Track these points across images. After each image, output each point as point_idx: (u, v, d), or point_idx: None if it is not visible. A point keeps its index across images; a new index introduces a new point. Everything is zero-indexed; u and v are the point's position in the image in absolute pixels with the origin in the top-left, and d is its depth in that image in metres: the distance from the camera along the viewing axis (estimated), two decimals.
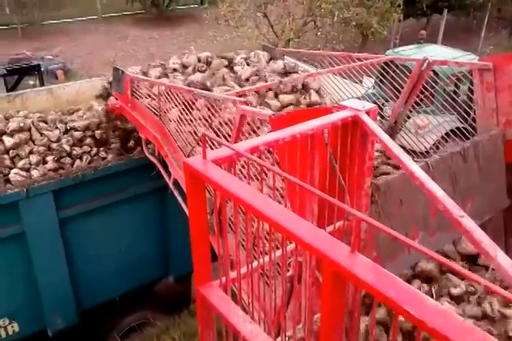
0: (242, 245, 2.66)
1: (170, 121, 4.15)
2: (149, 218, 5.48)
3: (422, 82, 3.88)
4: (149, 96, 4.55)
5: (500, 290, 1.15)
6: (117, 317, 5.66)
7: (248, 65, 5.16)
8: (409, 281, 3.04)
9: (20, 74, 7.80)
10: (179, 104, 3.98)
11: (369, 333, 2.52)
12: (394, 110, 4.09)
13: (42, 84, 7.82)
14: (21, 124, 5.42)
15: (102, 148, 5.61)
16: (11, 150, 5.24)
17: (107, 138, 5.65)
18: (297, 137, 2.05)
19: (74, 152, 5.46)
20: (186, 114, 3.91)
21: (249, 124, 3.33)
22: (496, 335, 2.64)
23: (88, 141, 5.60)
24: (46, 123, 5.70)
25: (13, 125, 5.39)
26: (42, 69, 9.20)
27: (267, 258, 1.93)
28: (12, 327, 4.84)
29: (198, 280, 1.99)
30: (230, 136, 3.30)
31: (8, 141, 5.25)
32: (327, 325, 1.45)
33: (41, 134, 5.51)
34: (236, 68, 5.04)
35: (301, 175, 2.17)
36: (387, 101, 5.00)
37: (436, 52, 7.62)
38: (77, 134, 5.58)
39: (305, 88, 4.69)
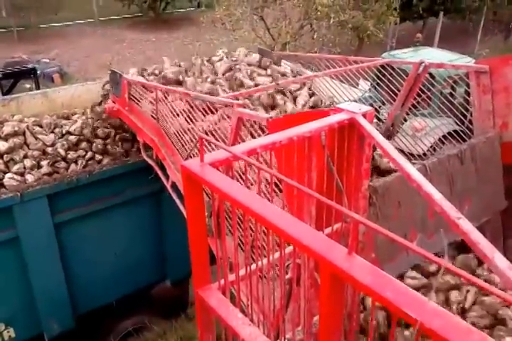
0: (241, 247, 2.66)
1: (167, 123, 4.16)
2: (145, 222, 5.46)
3: (418, 84, 3.90)
4: (147, 100, 4.56)
5: (496, 291, 1.16)
6: (114, 321, 5.62)
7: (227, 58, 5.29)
8: None
9: (15, 77, 7.77)
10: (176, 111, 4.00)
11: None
12: (391, 113, 4.11)
13: (38, 87, 7.79)
14: (16, 128, 5.38)
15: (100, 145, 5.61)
16: (5, 155, 5.19)
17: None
18: (294, 140, 2.05)
19: (69, 156, 5.42)
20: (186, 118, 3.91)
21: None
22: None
23: (83, 145, 5.57)
24: (41, 127, 5.66)
25: (7, 129, 5.35)
26: (38, 72, 9.19)
27: (265, 260, 1.93)
28: (8, 332, 4.81)
29: (196, 282, 1.99)
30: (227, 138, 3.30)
31: (3, 145, 5.20)
32: (326, 326, 1.46)
33: (36, 138, 5.47)
34: (215, 62, 5.16)
35: (299, 177, 2.17)
36: (383, 104, 5.02)
37: (433, 55, 7.64)
38: (72, 138, 5.55)
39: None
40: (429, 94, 4.27)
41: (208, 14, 15.35)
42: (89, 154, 5.52)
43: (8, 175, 5.06)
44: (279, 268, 1.99)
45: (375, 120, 4.03)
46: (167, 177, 4.37)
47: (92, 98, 5.81)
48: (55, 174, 5.17)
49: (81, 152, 5.52)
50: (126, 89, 4.71)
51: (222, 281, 1.97)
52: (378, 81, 4.40)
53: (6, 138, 5.32)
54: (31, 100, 6.12)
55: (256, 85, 4.52)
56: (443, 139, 4.89)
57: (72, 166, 5.38)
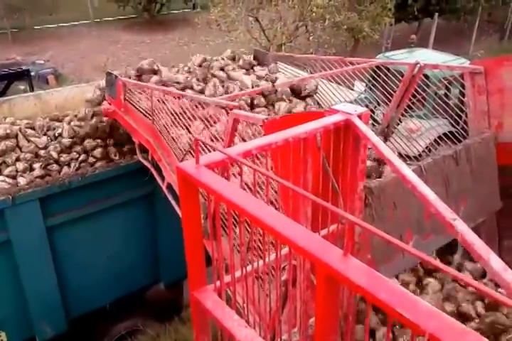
0: (237, 249, 2.66)
1: (163, 125, 4.15)
2: (138, 224, 5.43)
3: (413, 85, 3.90)
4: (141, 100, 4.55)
5: (491, 292, 1.16)
6: (108, 324, 5.59)
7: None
8: None
9: (9, 79, 7.74)
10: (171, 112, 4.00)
11: None
12: (386, 114, 4.11)
13: (31, 89, 7.76)
14: (8, 131, 5.36)
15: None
16: None
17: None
18: (290, 141, 2.05)
19: (61, 159, 5.40)
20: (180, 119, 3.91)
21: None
22: None
23: (76, 147, 5.55)
24: (34, 129, 5.64)
25: None
26: (32, 74, 9.14)
27: (261, 262, 1.93)
28: (0, 336, 4.78)
29: (192, 284, 1.98)
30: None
31: None
32: (321, 328, 1.45)
33: (28, 141, 5.46)
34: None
35: (295, 178, 2.17)
36: (379, 105, 5.02)
37: (427, 56, 7.65)
38: (65, 141, 5.53)
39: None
40: (424, 95, 4.28)
41: (203, 15, 15.33)
42: (83, 156, 5.50)
43: (0, 178, 5.05)
44: (275, 270, 1.98)
45: (371, 121, 4.04)
46: (163, 178, 4.36)
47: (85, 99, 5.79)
48: (48, 177, 5.15)
49: (74, 154, 5.49)
50: (121, 90, 4.70)
51: (218, 283, 1.96)
52: (374, 82, 4.41)
53: None
54: (24, 102, 6.09)
55: (229, 77, 4.82)
56: (438, 140, 4.89)
57: (65, 169, 5.36)
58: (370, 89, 5.34)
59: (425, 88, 4.15)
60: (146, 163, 4.72)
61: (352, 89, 4.78)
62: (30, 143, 5.43)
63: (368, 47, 15.61)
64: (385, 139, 4.09)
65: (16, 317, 4.81)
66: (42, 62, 15.99)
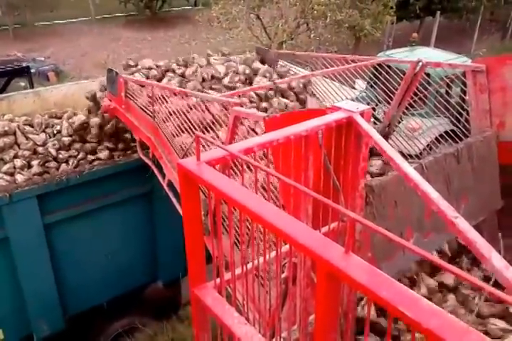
0: (237, 246, 2.66)
1: (164, 122, 4.15)
2: (137, 222, 5.42)
3: (415, 84, 3.89)
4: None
5: (490, 288, 1.15)
6: (105, 322, 5.59)
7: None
8: None
9: (9, 76, 7.73)
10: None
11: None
12: (387, 113, 4.10)
13: (31, 86, 7.76)
14: (6, 128, 5.35)
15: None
16: None
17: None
18: (291, 138, 2.04)
19: (60, 156, 5.39)
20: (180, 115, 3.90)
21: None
22: None
23: (75, 145, 5.54)
24: (32, 126, 5.63)
25: None
26: (33, 70, 9.11)
27: (261, 259, 1.92)
28: None
29: (192, 281, 1.98)
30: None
31: None
32: (321, 325, 1.45)
33: (27, 138, 5.44)
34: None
35: (296, 176, 2.16)
36: (380, 103, 5.02)
37: (429, 54, 7.63)
38: (64, 138, 5.51)
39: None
40: (426, 93, 4.27)
41: (205, 13, 15.33)
42: (81, 154, 5.49)
43: None
44: (275, 267, 1.98)
45: (372, 119, 4.03)
46: (163, 175, 4.36)
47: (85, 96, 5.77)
48: (46, 174, 5.13)
49: (73, 152, 5.48)
50: (122, 87, 4.69)
51: (218, 280, 1.96)
52: (375, 80, 4.40)
53: None
54: (23, 99, 6.07)
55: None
56: (440, 139, 4.88)
57: (63, 166, 5.34)
58: (372, 87, 5.33)
59: (427, 86, 4.14)
60: (147, 160, 4.71)
61: (353, 88, 4.77)
62: (29, 140, 5.42)
63: (370, 45, 15.60)
64: (386, 138, 4.08)
65: (13, 315, 4.81)
66: (42, 58, 16.00)
